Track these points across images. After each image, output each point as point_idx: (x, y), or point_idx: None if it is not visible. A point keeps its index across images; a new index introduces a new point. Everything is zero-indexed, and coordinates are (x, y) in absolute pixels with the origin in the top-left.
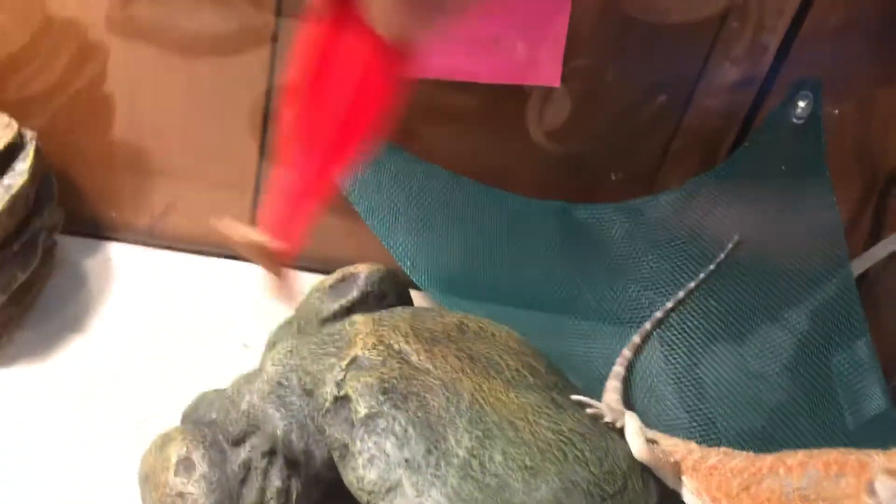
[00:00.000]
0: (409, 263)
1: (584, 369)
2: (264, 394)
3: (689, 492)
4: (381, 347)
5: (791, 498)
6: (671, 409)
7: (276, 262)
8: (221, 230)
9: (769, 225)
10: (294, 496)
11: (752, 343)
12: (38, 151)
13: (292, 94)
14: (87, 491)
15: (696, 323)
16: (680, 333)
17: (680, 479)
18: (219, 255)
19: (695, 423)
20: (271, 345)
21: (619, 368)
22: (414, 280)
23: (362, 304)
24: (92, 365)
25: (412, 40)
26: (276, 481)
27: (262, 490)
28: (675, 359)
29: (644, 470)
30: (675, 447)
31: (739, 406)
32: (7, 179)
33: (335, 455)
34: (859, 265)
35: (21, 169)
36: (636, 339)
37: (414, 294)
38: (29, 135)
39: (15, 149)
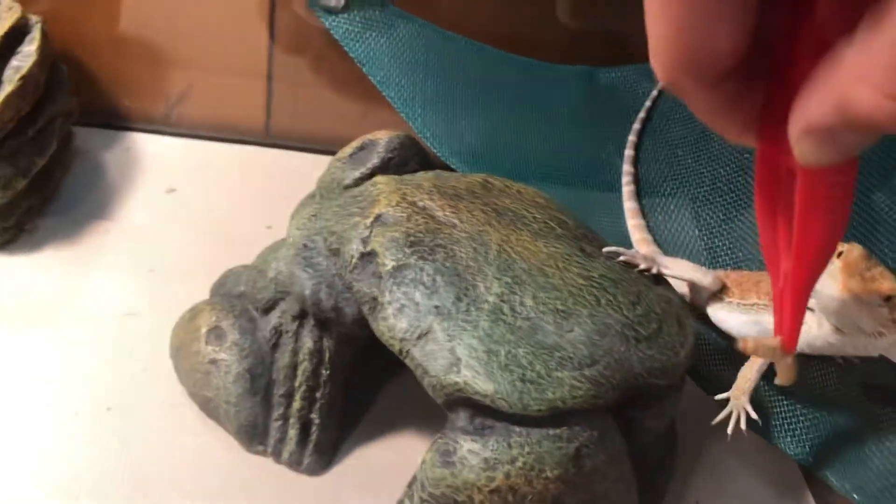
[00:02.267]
0: (429, 135)
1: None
2: (290, 258)
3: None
4: (404, 205)
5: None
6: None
7: (785, 354)
8: (742, 349)
9: None
10: (327, 356)
11: None
12: (44, 34)
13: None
14: (119, 377)
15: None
16: None
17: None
18: (236, 141)
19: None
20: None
21: (631, 203)
22: (436, 151)
23: (383, 171)
24: (117, 250)
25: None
26: (307, 342)
27: (295, 352)
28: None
29: (680, 314)
30: (726, 275)
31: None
32: (16, 62)
33: (365, 309)
34: None
35: (29, 51)
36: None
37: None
38: (34, 18)
39: (20, 33)
